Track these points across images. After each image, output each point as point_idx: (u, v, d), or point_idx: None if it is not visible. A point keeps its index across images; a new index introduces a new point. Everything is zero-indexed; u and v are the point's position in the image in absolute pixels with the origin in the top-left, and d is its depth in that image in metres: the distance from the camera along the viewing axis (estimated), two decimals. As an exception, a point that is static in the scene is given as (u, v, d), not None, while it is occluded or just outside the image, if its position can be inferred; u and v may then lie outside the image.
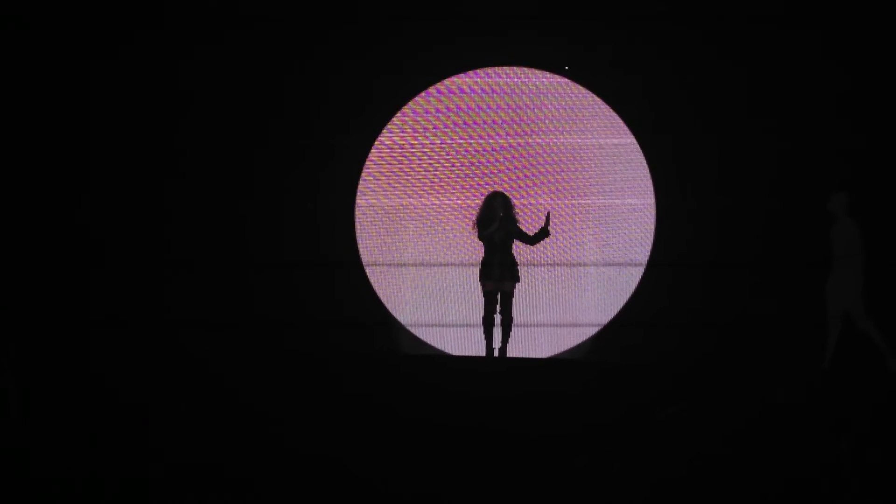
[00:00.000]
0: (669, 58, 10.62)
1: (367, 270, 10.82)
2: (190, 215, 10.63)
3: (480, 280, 9.70)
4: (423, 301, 10.85)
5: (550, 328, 10.70)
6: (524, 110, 10.87)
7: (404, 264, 10.82)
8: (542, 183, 10.82)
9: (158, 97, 10.60)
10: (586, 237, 10.79)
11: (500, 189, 10.18)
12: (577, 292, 10.83)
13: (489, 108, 10.88)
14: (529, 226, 10.01)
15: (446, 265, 10.71)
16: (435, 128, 10.89)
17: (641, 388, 7.91)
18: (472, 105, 10.88)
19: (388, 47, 10.70)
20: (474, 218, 9.76)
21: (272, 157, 10.74)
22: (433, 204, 10.83)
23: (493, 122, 10.87)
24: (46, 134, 10.53)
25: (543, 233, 9.70)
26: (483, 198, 9.84)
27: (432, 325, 10.78)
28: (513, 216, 9.68)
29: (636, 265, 10.75)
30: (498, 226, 9.57)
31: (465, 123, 10.89)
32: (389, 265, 10.81)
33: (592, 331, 10.78)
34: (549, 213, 9.70)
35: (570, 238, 10.69)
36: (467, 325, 10.41)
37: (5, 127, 10.50)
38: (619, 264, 10.75)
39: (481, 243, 9.69)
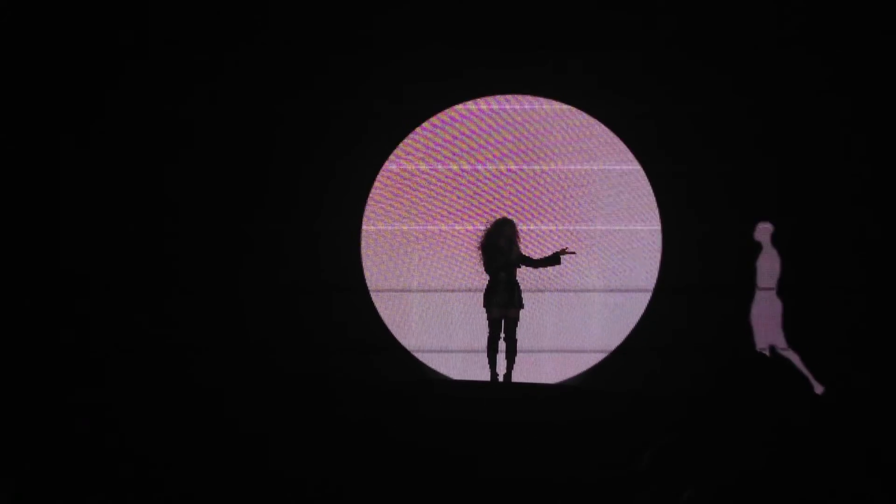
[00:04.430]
0: (676, 84, 10.56)
1: (373, 296, 10.75)
2: (194, 240, 10.58)
3: (485, 306, 9.67)
4: (428, 327, 10.78)
5: (556, 355, 10.62)
6: (530, 137, 10.81)
7: (410, 290, 10.76)
8: (548, 209, 10.74)
9: (160, 121, 10.56)
10: (591, 263, 10.71)
11: (506, 215, 10.13)
12: (583, 318, 10.75)
13: (494, 131, 10.82)
14: (533, 251, 10.00)
15: (452, 291, 10.64)
16: (434, 151, 10.83)
17: (649, 416, 7.82)
18: (478, 131, 10.82)
19: (392, 72, 10.65)
20: (480, 243, 9.70)
21: (278, 181, 10.69)
22: (439, 230, 10.77)
23: (499, 147, 10.81)
24: (37, 156, 10.48)
25: (553, 260, 9.66)
26: (491, 223, 9.79)
27: (437, 351, 10.70)
28: (517, 244, 9.65)
29: (642, 291, 10.67)
30: (505, 262, 9.54)
31: (471, 149, 10.83)
32: (395, 291, 10.75)
33: (598, 358, 10.69)
34: (566, 248, 9.69)
35: (576, 264, 10.58)
36: (472, 351, 10.33)
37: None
38: (625, 290, 10.67)
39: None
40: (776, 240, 10.60)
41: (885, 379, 9.93)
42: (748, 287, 10.55)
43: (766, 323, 10.50)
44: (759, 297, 10.56)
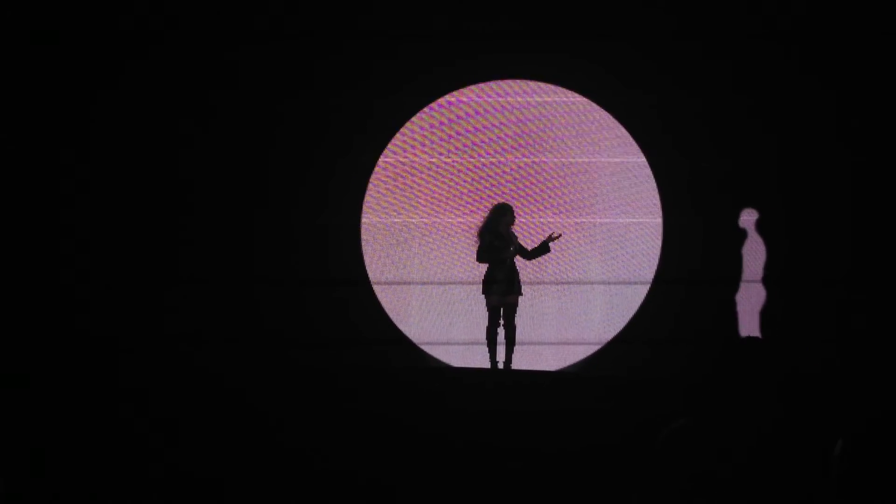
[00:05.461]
0: (681, 76, 10.60)
1: (374, 287, 10.76)
2: (198, 233, 10.64)
3: (484, 294, 9.68)
4: (428, 318, 10.77)
5: (555, 345, 10.62)
6: (531, 126, 10.80)
7: (410, 282, 10.76)
8: (549, 200, 10.73)
9: (165, 117, 10.60)
10: (593, 255, 10.72)
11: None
12: (583, 309, 10.75)
13: (495, 125, 10.82)
14: (531, 242, 10.01)
15: (452, 283, 10.65)
16: (434, 144, 10.82)
17: (649, 402, 7.85)
18: (479, 122, 10.81)
19: (394, 63, 10.68)
20: (478, 228, 9.72)
21: (280, 174, 10.70)
22: (439, 222, 10.76)
23: (500, 139, 10.80)
24: (50, 149, 10.50)
25: (543, 248, 9.69)
26: (490, 210, 9.80)
27: (438, 343, 10.71)
28: (513, 233, 9.69)
29: (642, 283, 10.68)
30: (504, 248, 9.54)
31: (472, 142, 10.82)
32: (396, 283, 10.75)
33: (597, 347, 10.70)
34: (554, 233, 9.71)
35: (577, 256, 10.60)
36: (473, 343, 10.34)
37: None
38: (626, 282, 10.68)
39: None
40: (775, 232, 10.65)
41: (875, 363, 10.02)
42: (741, 278, 10.59)
43: (765, 312, 10.55)
44: (756, 288, 10.60)
